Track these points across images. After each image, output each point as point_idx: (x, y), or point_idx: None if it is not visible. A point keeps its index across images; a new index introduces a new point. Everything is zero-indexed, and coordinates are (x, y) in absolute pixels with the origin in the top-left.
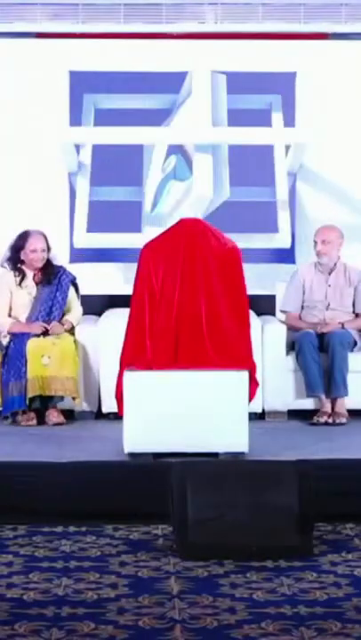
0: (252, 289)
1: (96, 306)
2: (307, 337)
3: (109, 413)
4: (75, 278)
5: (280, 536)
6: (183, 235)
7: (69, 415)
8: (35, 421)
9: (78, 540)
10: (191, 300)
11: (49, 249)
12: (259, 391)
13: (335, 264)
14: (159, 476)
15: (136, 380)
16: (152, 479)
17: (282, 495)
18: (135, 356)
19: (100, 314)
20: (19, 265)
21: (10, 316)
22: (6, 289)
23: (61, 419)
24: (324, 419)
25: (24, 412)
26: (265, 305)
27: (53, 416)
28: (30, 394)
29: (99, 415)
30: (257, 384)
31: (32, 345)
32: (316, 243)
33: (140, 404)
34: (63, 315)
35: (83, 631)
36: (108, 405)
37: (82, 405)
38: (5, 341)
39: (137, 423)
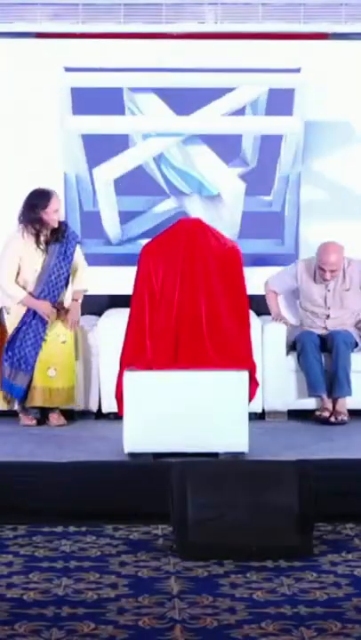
0: (254, 289)
1: (96, 306)
2: (309, 336)
3: (109, 413)
4: (78, 237)
5: (280, 536)
6: (183, 235)
7: (69, 415)
8: (35, 422)
9: (78, 540)
10: (191, 300)
11: None
12: (259, 391)
13: None
14: (159, 476)
15: (136, 380)
16: (152, 479)
17: (282, 495)
18: (135, 355)
19: (100, 314)
20: (37, 226)
21: (17, 280)
22: (16, 255)
23: (62, 421)
24: (326, 414)
25: (23, 409)
26: (265, 305)
27: (54, 419)
28: (35, 403)
29: (99, 415)
30: (257, 384)
31: (42, 354)
32: (323, 270)
33: (140, 404)
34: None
35: (83, 631)
36: (108, 405)
37: (82, 405)
38: (15, 312)
39: (137, 423)
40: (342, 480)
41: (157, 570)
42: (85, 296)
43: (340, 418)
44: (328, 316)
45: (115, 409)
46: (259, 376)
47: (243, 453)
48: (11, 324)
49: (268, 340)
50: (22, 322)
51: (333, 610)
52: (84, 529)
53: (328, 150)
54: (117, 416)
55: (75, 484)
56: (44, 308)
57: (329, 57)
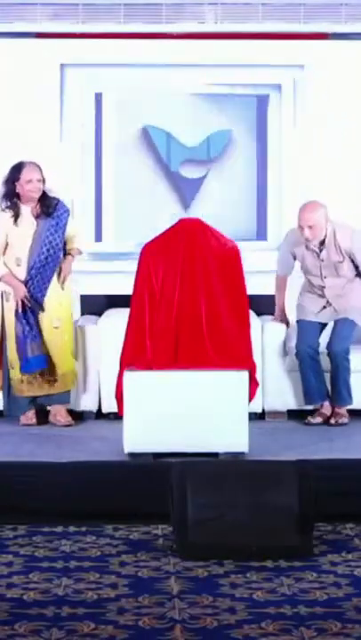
0: (254, 289)
1: (96, 306)
2: (304, 344)
3: (109, 413)
4: (69, 210)
5: (280, 536)
6: (183, 235)
7: (69, 415)
8: (34, 420)
9: (78, 539)
10: (191, 300)
11: (44, 180)
12: (259, 391)
13: (324, 240)
14: (159, 476)
15: (136, 380)
16: (152, 479)
17: (282, 495)
18: (135, 355)
19: (100, 314)
20: (15, 200)
21: (4, 254)
22: (1, 231)
23: (69, 419)
24: (318, 420)
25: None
26: (265, 305)
27: (62, 416)
28: (33, 392)
29: (99, 415)
30: (257, 384)
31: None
32: (301, 228)
33: (140, 404)
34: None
35: (83, 631)
36: (108, 405)
37: (81, 405)
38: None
39: (137, 423)
40: (342, 480)
41: (157, 570)
42: (85, 296)
43: (340, 421)
44: (324, 288)
45: (115, 409)
46: (259, 376)
47: (243, 453)
48: (9, 310)
49: (267, 339)
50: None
51: (333, 610)
52: (84, 529)
53: (328, 150)
54: (117, 416)
55: (75, 484)
56: (18, 291)
57: (329, 57)
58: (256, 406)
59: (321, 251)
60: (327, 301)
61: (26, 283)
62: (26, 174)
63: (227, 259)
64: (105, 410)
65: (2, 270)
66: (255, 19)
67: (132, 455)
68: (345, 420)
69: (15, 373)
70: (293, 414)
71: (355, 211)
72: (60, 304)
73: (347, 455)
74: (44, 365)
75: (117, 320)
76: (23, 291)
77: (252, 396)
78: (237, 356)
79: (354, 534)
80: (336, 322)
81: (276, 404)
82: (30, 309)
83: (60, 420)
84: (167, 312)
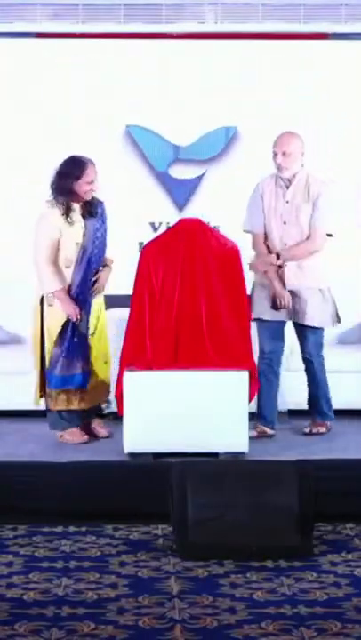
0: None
1: None
2: (266, 363)
3: (109, 413)
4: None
5: (280, 536)
6: (183, 235)
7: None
8: (86, 437)
9: (78, 539)
10: (191, 300)
11: None
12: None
13: (295, 175)
14: (159, 476)
15: (136, 380)
16: (152, 479)
17: (282, 495)
18: (135, 355)
19: None
20: (69, 197)
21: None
22: (52, 230)
23: (108, 430)
24: (253, 433)
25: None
26: None
27: (99, 426)
28: (74, 406)
29: (99, 415)
30: (257, 384)
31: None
32: (275, 154)
33: (140, 403)
34: None
35: (83, 631)
36: (108, 405)
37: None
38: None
39: (137, 423)
40: (342, 480)
41: (157, 570)
42: None
43: (319, 430)
44: (284, 223)
45: (115, 409)
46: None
47: (243, 453)
48: (53, 318)
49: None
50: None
51: (333, 610)
52: (84, 529)
53: (328, 150)
54: (117, 416)
55: (75, 484)
56: (70, 311)
57: (329, 57)
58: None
59: (288, 187)
60: (282, 269)
61: (71, 286)
62: (89, 174)
63: (227, 259)
64: (105, 410)
65: (54, 286)
66: (255, 19)
67: (132, 455)
68: (324, 430)
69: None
70: (293, 414)
71: (355, 210)
72: (98, 309)
73: (347, 455)
74: (81, 383)
75: (117, 320)
76: (76, 313)
77: (252, 396)
78: (237, 356)
79: (354, 534)
80: (301, 328)
81: (278, 404)
82: (78, 332)
83: (100, 432)
84: (167, 312)
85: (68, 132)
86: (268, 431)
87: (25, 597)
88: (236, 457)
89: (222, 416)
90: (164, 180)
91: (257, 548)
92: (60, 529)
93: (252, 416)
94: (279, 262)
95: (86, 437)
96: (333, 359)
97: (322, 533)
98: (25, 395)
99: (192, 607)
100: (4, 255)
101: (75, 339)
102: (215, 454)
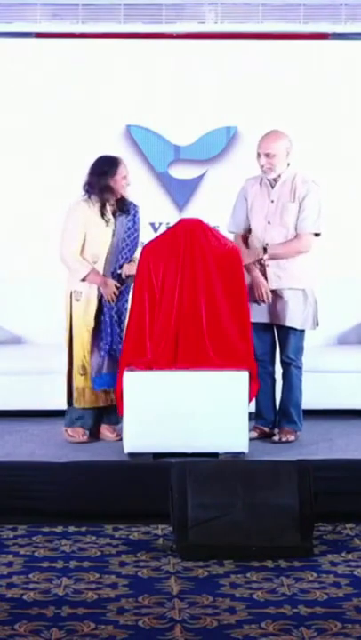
0: None
1: None
2: (258, 365)
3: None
4: (137, 206)
5: (280, 536)
6: (183, 235)
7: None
8: (86, 437)
9: (78, 539)
10: (191, 300)
11: None
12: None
13: (280, 175)
14: (159, 476)
15: (136, 380)
16: (152, 479)
17: (282, 495)
18: (135, 355)
19: None
20: (105, 194)
21: (83, 254)
22: (81, 225)
23: (116, 434)
24: (254, 434)
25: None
26: None
27: (110, 432)
28: (87, 404)
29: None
30: (257, 384)
31: None
32: (258, 155)
33: (140, 403)
34: None
35: (83, 631)
36: None
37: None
38: (86, 297)
39: (137, 423)
40: (342, 480)
41: (157, 570)
42: None
43: (288, 438)
44: (268, 225)
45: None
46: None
47: (243, 453)
48: (83, 312)
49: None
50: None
51: (333, 610)
52: (84, 529)
53: (327, 151)
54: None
55: (75, 484)
56: (110, 287)
57: (329, 57)
58: None
59: (273, 187)
60: (265, 269)
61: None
62: (122, 170)
63: (227, 259)
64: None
65: (86, 268)
66: (255, 19)
67: (132, 455)
68: (292, 437)
69: (80, 382)
70: None
71: (355, 210)
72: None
73: (347, 455)
74: (113, 385)
75: None
76: (112, 285)
77: (252, 396)
78: (237, 356)
79: (354, 534)
80: (282, 331)
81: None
82: (118, 315)
83: (108, 436)
84: (167, 312)
85: (68, 132)
86: (268, 431)
87: (25, 597)
88: (236, 457)
89: (222, 416)
90: (165, 180)
91: (257, 548)
92: (60, 529)
93: (250, 416)
94: (265, 257)
95: (86, 438)
96: (333, 359)
97: (322, 533)
98: (25, 395)
99: (192, 607)
100: (5, 255)
101: (114, 333)
102: (215, 454)
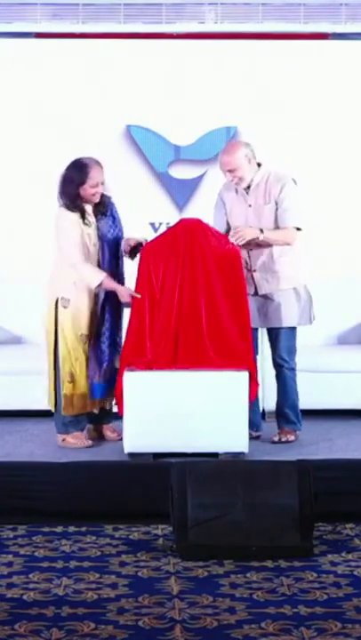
0: None
1: None
2: None
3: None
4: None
5: (280, 536)
6: (183, 235)
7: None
8: (90, 442)
9: (78, 539)
10: (191, 300)
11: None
12: (259, 391)
13: (252, 179)
14: (159, 476)
15: (136, 380)
16: (152, 479)
17: (282, 495)
18: (135, 355)
19: None
20: (78, 201)
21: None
22: (77, 229)
23: (117, 434)
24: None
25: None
26: None
27: (110, 431)
28: (86, 409)
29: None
30: (257, 384)
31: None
32: (223, 173)
33: (140, 403)
34: None
35: (83, 631)
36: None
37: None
38: (74, 304)
39: (137, 423)
40: (342, 480)
41: (157, 570)
42: None
43: (288, 438)
44: (250, 250)
45: (115, 409)
46: (259, 376)
47: (243, 453)
48: (72, 319)
49: (267, 339)
50: (102, 310)
51: (333, 610)
52: (84, 529)
53: (327, 151)
54: (117, 416)
55: (75, 484)
56: (125, 292)
57: (329, 57)
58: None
59: (248, 193)
60: (252, 274)
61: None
62: (93, 177)
63: (227, 259)
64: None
65: (100, 275)
66: (255, 19)
67: (132, 455)
68: (292, 437)
69: (69, 389)
70: None
71: (355, 210)
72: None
73: (347, 455)
74: (107, 395)
75: None
76: (126, 287)
77: (252, 396)
78: (237, 356)
79: (354, 534)
80: (274, 332)
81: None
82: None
83: (110, 437)
84: (167, 312)
85: (68, 132)
86: (253, 434)
87: (25, 597)
88: (236, 457)
89: (222, 416)
90: (165, 180)
91: (257, 548)
92: (60, 529)
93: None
94: (262, 236)
95: (90, 442)
96: (333, 359)
97: (322, 533)
98: (25, 395)
99: (192, 607)
100: (5, 255)
101: (108, 342)
102: (215, 454)
